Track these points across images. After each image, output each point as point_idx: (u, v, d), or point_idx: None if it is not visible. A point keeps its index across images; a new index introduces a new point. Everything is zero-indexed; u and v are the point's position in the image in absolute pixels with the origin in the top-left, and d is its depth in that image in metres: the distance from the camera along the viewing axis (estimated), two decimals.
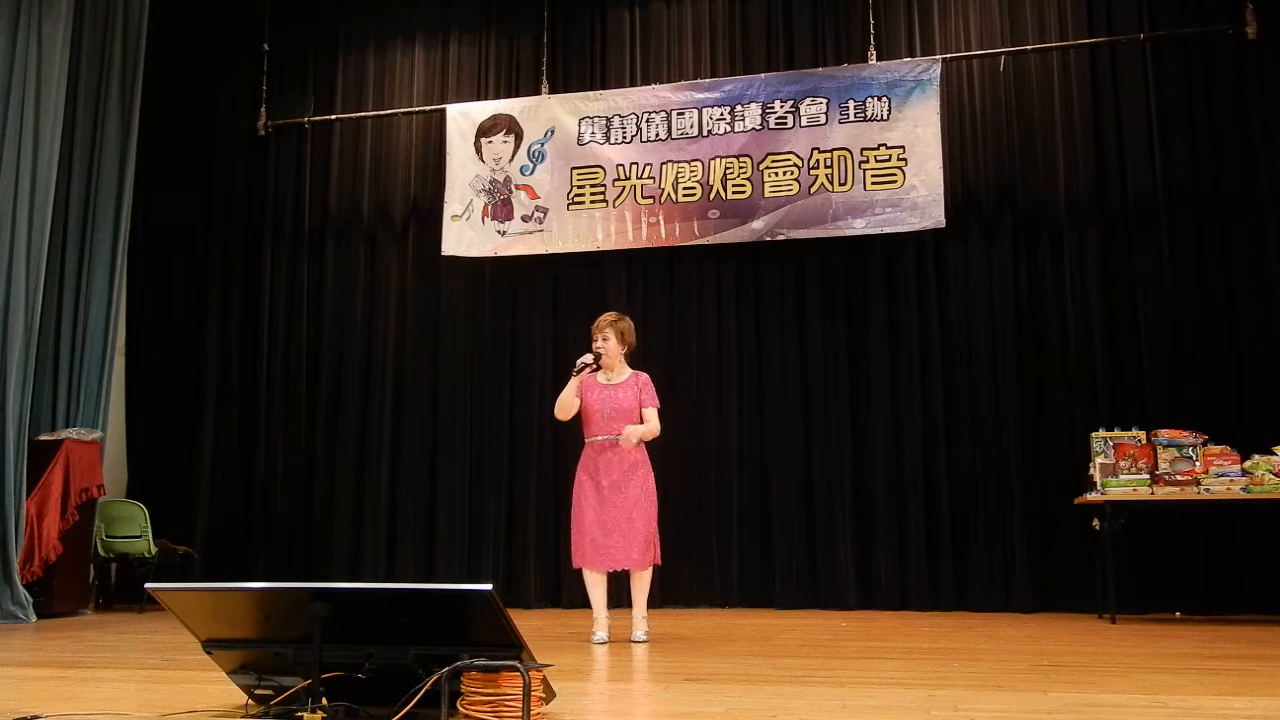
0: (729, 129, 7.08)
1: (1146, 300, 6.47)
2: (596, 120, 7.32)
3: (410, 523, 7.39)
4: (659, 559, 5.00)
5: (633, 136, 7.24)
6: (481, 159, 7.50)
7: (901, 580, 6.59)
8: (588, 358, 4.97)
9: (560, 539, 6.99)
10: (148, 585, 2.88)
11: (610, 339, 4.99)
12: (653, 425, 4.97)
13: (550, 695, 2.91)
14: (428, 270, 7.64)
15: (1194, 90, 6.55)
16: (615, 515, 4.84)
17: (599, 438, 4.95)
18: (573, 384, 4.98)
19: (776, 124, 7.01)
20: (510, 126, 7.48)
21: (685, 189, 7.08)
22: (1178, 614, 6.02)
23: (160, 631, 5.53)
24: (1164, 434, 5.74)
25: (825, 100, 6.96)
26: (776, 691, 3.35)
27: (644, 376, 5.06)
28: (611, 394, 4.96)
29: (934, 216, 6.67)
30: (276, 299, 7.92)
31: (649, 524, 4.89)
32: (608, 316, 5.09)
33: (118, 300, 7.20)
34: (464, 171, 7.51)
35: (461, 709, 2.62)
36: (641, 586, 4.92)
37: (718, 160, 7.06)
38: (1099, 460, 5.76)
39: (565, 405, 5.00)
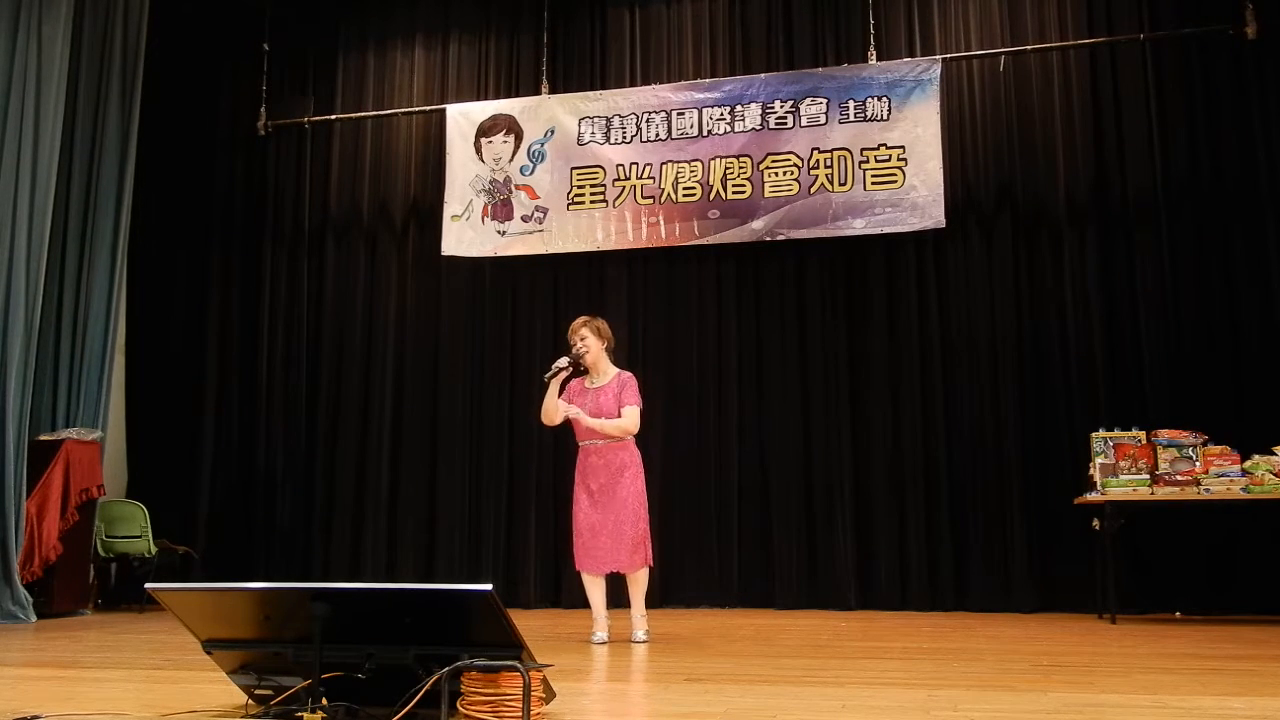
0: (729, 129, 7.08)
1: (1146, 300, 6.46)
2: (596, 120, 7.32)
3: (410, 523, 7.39)
4: (650, 560, 4.98)
5: (633, 136, 7.24)
6: (481, 159, 7.50)
7: (901, 580, 6.59)
8: (562, 361, 4.92)
9: (560, 539, 7.00)
10: (148, 585, 2.89)
11: (589, 338, 4.97)
12: (623, 422, 4.88)
13: (550, 695, 2.91)
14: (428, 270, 7.64)
15: (1194, 90, 6.55)
16: (604, 518, 4.85)
17: (585, 442, 4.97)
18: (552, 389, 4.94)
19: (776, 124, 7.01)
20: (510, 126, 7.48)
21: (685, 189, 7.08)
22: (1178, 614, 6.01)
23: (160, 631, 5.53)
24: (1164, 434, 5.74)
25: (825, 100, 6.96)
26: (776, 691, 3.35)
27: (626, 375, 5.04)
28: (595, 398, 4.96)
29: (934, 216, 6.67)
30: (276, 299, 7.92)
31: (637, 525, 4.87)
32: (581, 319, 5.06)
33: (118, 300, 7.20)
34: (464, 171, 7.51)
35: (461, 709, 2.62)
36: (637, 587, 4.93)
37: (718, 160, 7.06)
38: (1099, 460, 5.76)
39: (548, 411, 4.97)
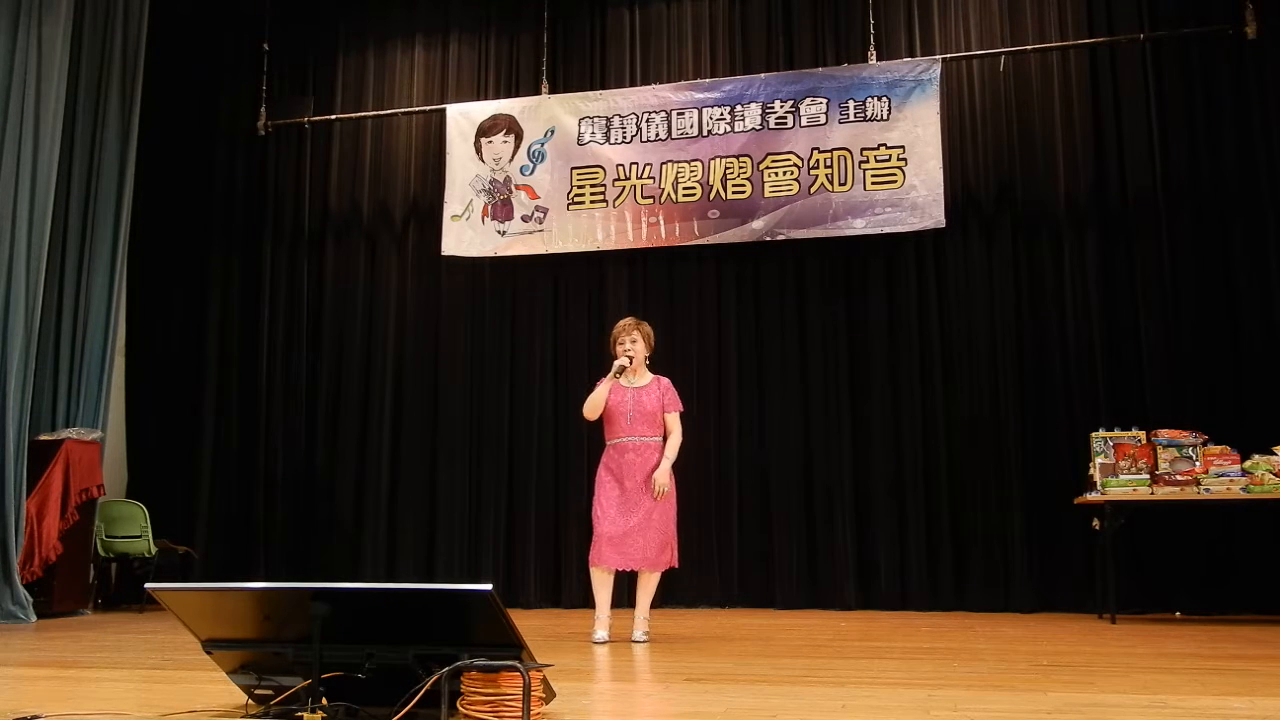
0: (729, 129, 7.08)
1: (1146, 300, 6.47)
2: (596, 120, 7.32)
3: (410, 523, 7.39)
4: (676, 562, 5.03)
5: (633, 136, 7.24)
6: (481, 159, 7.50)
7: (901, 580, 6.59)
8: (624, 360, 5.00)
9: (560, 539, 7.02)
10: (148, 585, 2.89)
11: (638, 341, 5.05)
12: (675, 442, 5.01)
13: (550, 695, 2.91)
14: (428, 270, 7.64)
15: (1194, 90, 6.55)
16: (637, 516, 4.88)
17: (623, 439, 4.98)
18: (607, 386, 5.01)
19: (776, 124, 7.01)
20: (510, 126, 7.48)
21: (685, 189, 7.08)
22: (1178, 614, 6.02)
23: (160, 631, 5.53)
24: (1164, 434, 5.74)
25: (825, 100, 6.96)
26: (776, 691, 3.35)
27: (665, 381, 5.11)
28: (636, 396, 5.01)
29: (934, 216, 6.67)
30: (276, 299, 7.92)
31: (668, 525, 4.94)
32: (629, 321, 5.14)
33: (118, 300, 7.20)
34: (464, 171, 7.51)
35: (461, 709, 2.62)
36: (648, 587, 4.95)
37: (718, 160, 7.06)
38: (1099, 460, 5.76)
39: (597, 405, 5.03)
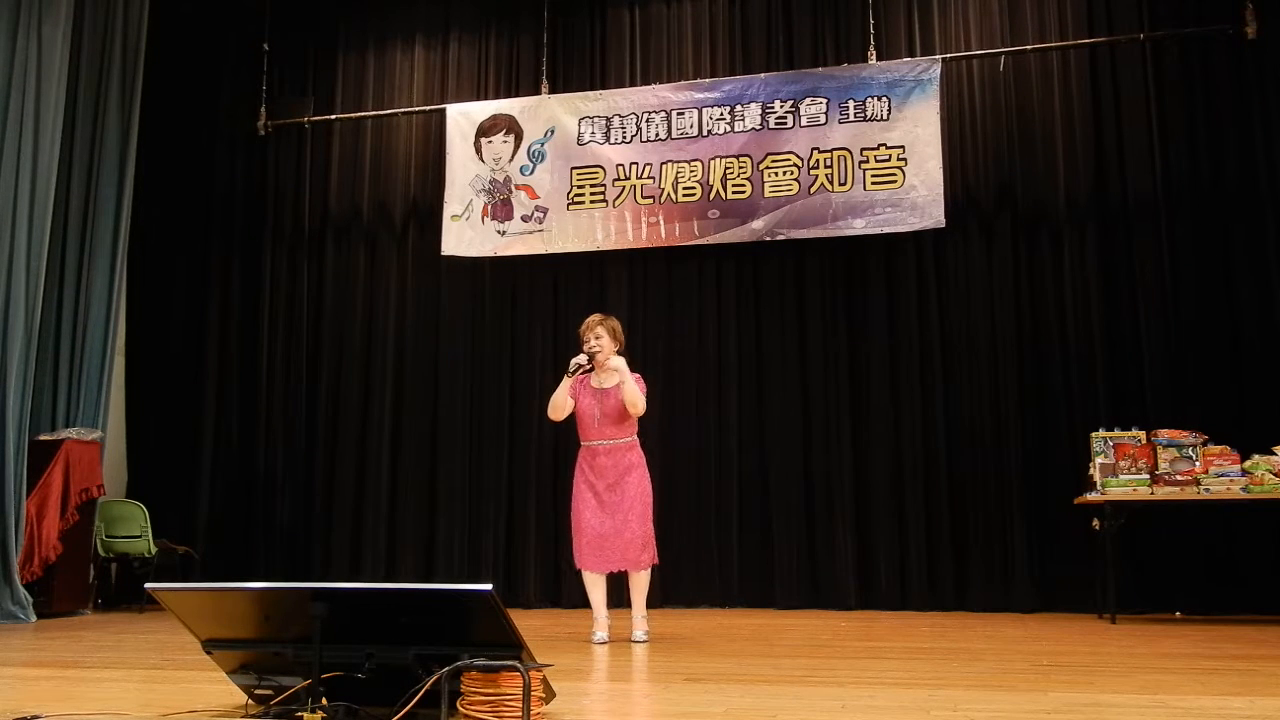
0: (729, 129, 7.08)
1: (1146, 300, 6.47)
2: (596, 120, 7.32)
3: (410, 523, 7.39)
4: (656, 558, 5.02)
5: (633, 136, 7.24)
6: (481, 159, 7.50)
7: (901, 580, 6.59)
8: (582, 358, 4.95)
9: (560, 539, 7.00)
10: (148, 585, 2.89)
11: (603, 337, 4.97)
12: (638, 396, 4.84)
13: (550, 695, 2.91)
14: (428, 270, 7.64)
15: (1194, 90, 6.55)
16: (612, 518, 4.87)
17: (593, 443, 4.96)
18: (565, 385, 4.98)
19: (776, 124, 7.01)
20: (510, 126, 7.48)
21: (685, 189, 7.08)
22: (1178, 614, 6.01)
23: (160, 631, 5.53)
24: (1164, 434, 5.74)
25: (825, 100, 6.96)
26: (776, 691, 3.35)
27: (634, 375, 5.04)
28: (602, 397, 4.96)
29: (934, 216, 6.67)
30: (276, 299, 7.92)
31: (645, 525, 4.91)
32: (595, 317, 5.07)
33: (118, 300, 7.20)
34: (464, 171, 7.51)
35: (461, 709, 2.62)
36: (640, 587, 4.94)
37: (718, 160, 7.06)
38: (1099, 460, 5.76)
39: (557, 405, 5.01)
